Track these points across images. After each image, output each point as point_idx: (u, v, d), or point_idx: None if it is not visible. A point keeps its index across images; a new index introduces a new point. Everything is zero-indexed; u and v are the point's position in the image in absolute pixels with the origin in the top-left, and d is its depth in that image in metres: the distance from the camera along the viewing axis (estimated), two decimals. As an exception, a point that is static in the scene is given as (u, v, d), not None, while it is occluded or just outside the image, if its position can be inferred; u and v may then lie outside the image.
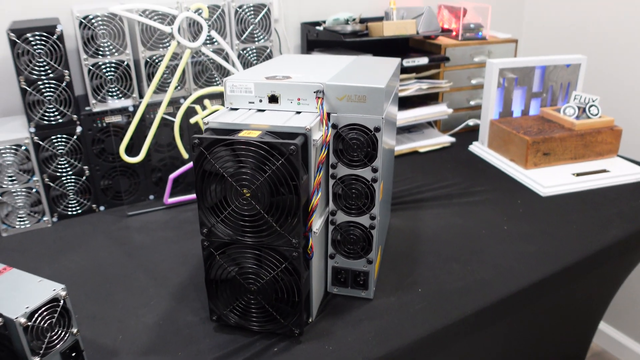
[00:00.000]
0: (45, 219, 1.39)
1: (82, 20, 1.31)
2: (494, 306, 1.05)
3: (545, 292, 1.16)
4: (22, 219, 1.36)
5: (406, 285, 1.10)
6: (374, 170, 0.94)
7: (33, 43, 1.26)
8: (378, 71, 1.04)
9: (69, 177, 1.40)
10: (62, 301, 0.85)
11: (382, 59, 1.21)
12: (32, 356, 0.81)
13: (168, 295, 1.09)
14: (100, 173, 1.43)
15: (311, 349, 0.92)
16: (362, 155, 0.94)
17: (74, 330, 0.88)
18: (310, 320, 0.98)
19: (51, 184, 1.38)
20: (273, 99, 0.95)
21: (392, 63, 1.15)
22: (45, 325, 0.83)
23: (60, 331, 0.86)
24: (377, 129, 0.92)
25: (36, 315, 0.82)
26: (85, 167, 1.41)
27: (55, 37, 1.27)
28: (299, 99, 0.93)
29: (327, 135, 0.90)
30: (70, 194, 1.41)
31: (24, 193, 1.34)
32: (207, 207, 0.88)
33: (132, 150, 1.43)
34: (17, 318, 0.79)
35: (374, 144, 0.93)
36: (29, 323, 0.80)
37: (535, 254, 1.21)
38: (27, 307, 0.81)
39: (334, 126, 0.94)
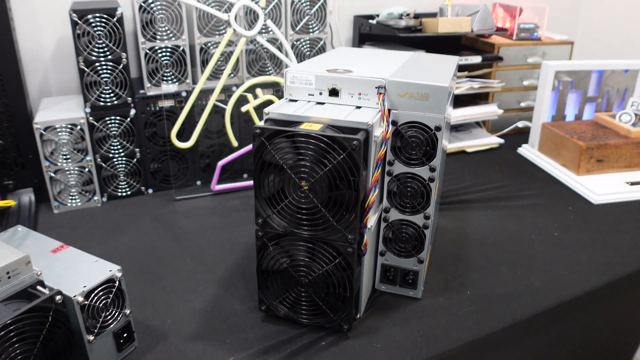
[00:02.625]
0: (95, 198, 1.41)
1: (142, 4, 1.32)
2: (545, 313, 1.03)
3: (596, 302, 1.14)
4: (73, 197, 1.39)
5: (454, 286, 1.09)
6: (432, 170, 0.93)
7: (93, 24, 1.28)
8: (439, 69, 1.02)
9: (120, 158, 1.42)
10: (117, 282, 0.86)
11: (440, 57, 1.19)
12: (87, 334, 0.83)
13: (215, 282, 1.10)
14: (150, 156, 1.45)
15: (359, 345, 0.92)
16: (420, 153, 0.93)
17: (127, 312, 0.89)
18: (358, 316, 0.98)
19: (103, 164, 1.40)
20: (333, 92, 0.94)
21: (451, 61, 1.13)
22: (101, 305, 0.84)
23: (114, 311, 0.87)
24: (438, 128, 0.90)
25: (92, 295, 0.83)
26: (137, 149, 1.43)
27: (115, 19, 1.29)
28: (359, 94, 0.93)
29: (387, 132, 0.89)
30: (121, 175, 1.43)
31: (76, 172, 1.37)
32: (263, 198, 0.88)
33: (182, 135, 1.44)
34: (75, 296, 0.80)
35: (434, 143, 0.91)
36: (86, 302, 0.82)
37: (587, 262, 1.18)
38: (85, 286, 0.82)
39: (393, 123, 0.92)
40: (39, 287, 0.78)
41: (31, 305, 0.73)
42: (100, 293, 0.84)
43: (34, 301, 0.74)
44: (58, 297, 0.78)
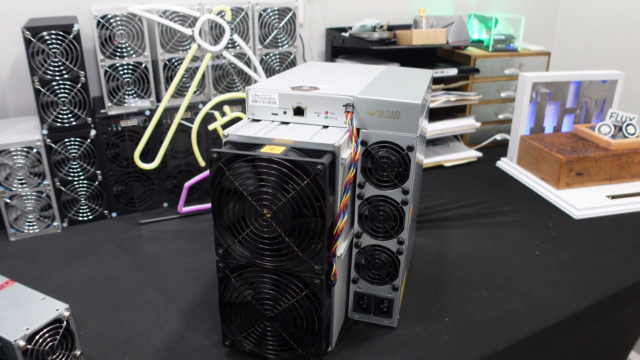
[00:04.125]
0: (55, 224, 1.33)
1: (100, 20, 1.26)
2: (527, 341, 0.98)
3: (580, 325, 1.09)
4: (31, 224, 1.31)
5: (432, 313, 1.03)
6: (405, 192, 0.87)
7: (49, 42, 1.21)
8: (411, 84, 0.97)
9: (81, 181, 1.34)
10: (65, 322, 0.79)
11: (413, 70, 1.14)
12: (30, 381, 0.75)
13: (179, 314, 1.03)
14: (113, 178, 1.38)
15: (330, 382, 0.86)
16: (392, 175, 0.87)
17: (77, 353, 0.82)
18: (329, 349, 0.92)
19: (62, 189, 1.33)
20: (298, 111, 0.88)
21: (424, 75, 1.08)
22: (47, 348, 0.77)
23: (62, 354, 0.80)
24: (410, 148, 0.85)
25: (37, 338, 0.76)
26: (98, 171, 1.35)
27: (71, 36, 1.22)
28: (326, 112, 0.87)
29: (356, 153, 0.84)
30: (82, 199, 1.36)
31: (34, 197, 1.29)
32: (223, 227, 0.81)
33: (147, 155, 1.37)
34: (15, 341, 0.73)
35: (406, 164, 0.86)
36: (29, 346, 0.75)
37: (569, 283, 1.14)
38: (27, 329, 0.75)
39: (363, 143, 0.87)
40: (-25, 332, 0.71)
41: (-38, 354, 0.66)
42: (46, 335, 0.77)
43: (-34, 349, 0.67)
44: (-5, 343, 0.71)
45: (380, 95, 0.85)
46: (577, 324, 1.08)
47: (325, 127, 0.87)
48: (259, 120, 0.90)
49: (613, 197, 1.50)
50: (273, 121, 0.90)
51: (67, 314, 0.79)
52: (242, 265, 0.83)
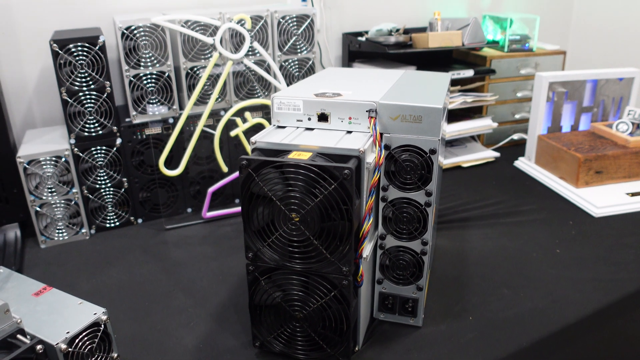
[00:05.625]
0: (83, 230, 1.37)
1: (125, 31, 1.29)
2: (550, 338, 0.99)
3: (603, 321, 1.10)
4: (60, 231, 1.34)
5: (456, 312, 1.05)
6: (428, 194, 0.89)
7: (75, 54, 1.24)
8: (432, 89, 0.99)
9: (107, 189, 1.38)
10: (102, 325, 0.82)
11: (431, 74, 1.16)
12: (71, 383, 0.78)
13: (208, 317, 1.05)
14: (138, 185, 1.41)
15: (359, 381, 0.88)
16: (415, 178, 0.89)
17: (114, 355, 0.85)
18: (357, 348, 0.94)
19: (90, 196, 1.36)
20: (323, 118, 0.91)
21: (443, 79, 1.10)
22: (86, 350, 0.80)
23: (100, 356, 0.83)
24: (433, 151, 0.87)
25: (77, 341, 0.79)
26: (124, 179, 1.39)
27: (97, 48, 1.26)
28: (350, 118, 0.89)
29: (380, 157, 0.86)
30: (109, 206, 1.39)
31: (63, 205, 1.33)
32: (253, 231, 0.84)
33: (171, 162, 1.41)
34: (57, 344, 0.76)
35: (429, 167, 0.88)
36: (70, 349, 0.78)
37: (591, 280, 1.15)
38: (68, 332, 0.78)
39: (386, 147, 0.89)
40: (19, 336, 0.74)
41: (10, 357, 0.69)
42: (85, 338, 0.80)
43: (13, 352, 0.70)
44: (39, 347, 0.74)
45: (402, 100, 0.87)
46: (600, 321, 1.09)
47: (349, 132, 0.90)
48: (284, 127, 0.93)
49: (633, 194, 1.50)
50: (298, 127, 0.92)
51: (104, 317, 0.82)
52: (271, 268, 0.86)
